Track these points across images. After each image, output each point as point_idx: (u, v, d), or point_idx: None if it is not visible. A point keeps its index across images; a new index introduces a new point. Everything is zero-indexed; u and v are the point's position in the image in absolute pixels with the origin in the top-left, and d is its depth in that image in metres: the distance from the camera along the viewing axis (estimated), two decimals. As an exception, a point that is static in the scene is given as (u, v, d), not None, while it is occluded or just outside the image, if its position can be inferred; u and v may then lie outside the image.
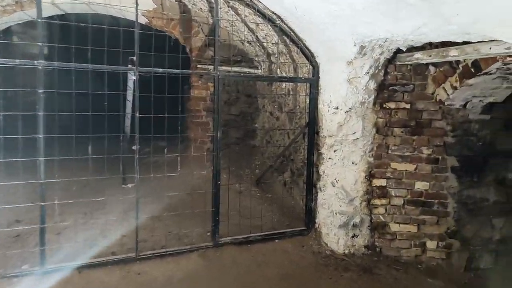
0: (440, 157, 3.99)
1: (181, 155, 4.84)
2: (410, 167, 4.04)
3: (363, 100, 3.98)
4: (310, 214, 4.22)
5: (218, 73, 3.74)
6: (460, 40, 2.87)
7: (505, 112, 4.11)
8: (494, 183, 4.14)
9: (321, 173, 4.19)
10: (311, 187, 4.23)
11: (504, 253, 4.24)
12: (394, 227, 4.10)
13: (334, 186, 4.12)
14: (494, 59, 3.34)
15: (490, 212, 4.14)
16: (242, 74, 4.11)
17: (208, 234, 3.82)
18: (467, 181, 4.05)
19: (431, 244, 4.07)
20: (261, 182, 5.28)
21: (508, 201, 4.20)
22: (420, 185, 4.04)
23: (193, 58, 5.76)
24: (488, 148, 4.09)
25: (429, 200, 4.03)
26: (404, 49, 3.67)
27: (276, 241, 3.96)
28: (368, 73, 3.85)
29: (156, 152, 5.08)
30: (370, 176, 4.10)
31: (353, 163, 4.09)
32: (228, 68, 4.71)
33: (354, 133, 4.03)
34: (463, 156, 4.02)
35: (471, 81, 3.61)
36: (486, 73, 3.51)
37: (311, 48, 4.12)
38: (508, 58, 3.23)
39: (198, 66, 5.61)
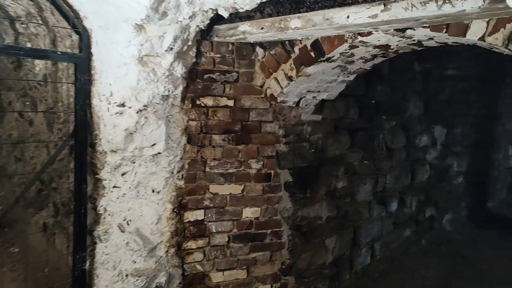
0: (272, 171, 2.79)
1: None
2: (236, 189, 2.69)
3: (167, 93, 2.40)
4: (82, 282, 2.35)
5: None
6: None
7: (335, 112, 3.26)
8: (326, 197, 3.24)
9: (101, 212, 2.38)
10: (83, 235, 2.36)
11: (335, 278, 3.42)
12: (216, 277, 2.68)
13: (123, 232, 2.39)
14: (341, 39, 2.28)
15: (323, 232, 3.23)
16: None
17: None
18: (300, 198, 3.00)
19: (264, 290, 2.85)
20: (2, 227, 3.04)
21: (339, 215, 3.38)
22: (249, 213, 2.74)
23: None
24: (320, 155, 3.15)
25: (261, 231, 2.79)
26: (226, 15, 2.25)
27: None
28: (172, 49, 2.28)
29: None
30: (180, 208, 2.56)
31: (153, 191, 2.45)
32: None
33: (154, 144, 2.40)
34: (297, 168, 2.94)
35: (310, 69, 2.50)
36: (328, 59, 2.45)
37: (74, 2, 2.24)
38: (359, 38, 2.21)
39: None
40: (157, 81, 2.33)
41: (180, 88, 2.47)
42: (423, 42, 2.34)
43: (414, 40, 2.29)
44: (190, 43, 2.39)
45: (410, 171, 4.21)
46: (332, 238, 3.30)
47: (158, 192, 2.47)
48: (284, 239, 2.88)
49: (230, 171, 2.66)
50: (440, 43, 2.32)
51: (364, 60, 2.61)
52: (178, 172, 2.53)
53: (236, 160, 2.67)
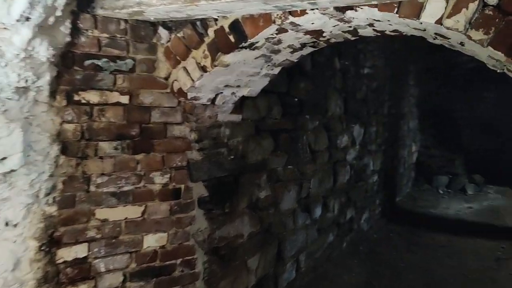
0: (182, 186, 2.18)
1: None
2: (134, 211, 2.03)
3: (24, 84, 1.64)
4: None
5: None
6: None
7: (256, 111, 2.77)
8: (248, 210, 2.75)
9: None
10: None
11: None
12: (109, 331, 2.00)
13: (-44, 291, 1.59)
14: (268, 20, 1.79)
15: (245, 251, 2.73)
16: None
17: None
18: (218, 215, 2.45)
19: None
20: None
21: (262, 229, 2.92)
22: (152, 241, 2.10)
23: None
24: (240, 162, 2.63)
25: (168, 262, 2.17)
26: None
27: None
28: (28, 18, 1.53)
29: None
30: (51, 244, 1.81)
31: (7, 224, 1.68)
32: None
33: (4, 158, 1.62)
34: (213, 179, 2.38)
35: (229, 57, 1.96)
36: (251, 45, 1.94)
37: None
38: (290, 18, 1.74)
39: None
40: (6, 65, 1.56)
41: (47, 77, 1.73)
42: (359, 30, 1.97)
43: (350, 27, 1.90)
44: (59, 13, 1.66)
45: (333, 173, 3.95)
46: (255, 257, 2.82)
47: (15, 226, 1.70)
48: (198, 268, 2.30)
49: (126, 189, 1.99)
50: (378, 31, 1.97)
51: (292, 50, 2.16)
52: (47, 195, 1.78)
53: (134, 174, 2.01)
